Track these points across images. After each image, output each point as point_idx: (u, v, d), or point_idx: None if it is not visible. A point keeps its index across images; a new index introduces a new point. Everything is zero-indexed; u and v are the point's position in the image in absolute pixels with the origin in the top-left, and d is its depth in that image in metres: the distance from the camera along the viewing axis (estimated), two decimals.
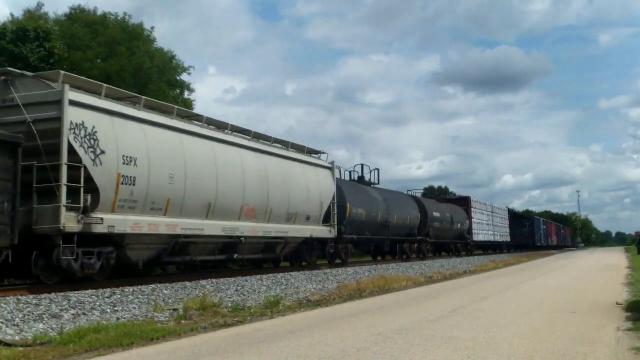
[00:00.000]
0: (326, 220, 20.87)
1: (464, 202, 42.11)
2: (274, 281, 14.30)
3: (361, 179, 27.61)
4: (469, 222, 40.47)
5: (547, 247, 71.85)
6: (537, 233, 66.48)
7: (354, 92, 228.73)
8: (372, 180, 28.28)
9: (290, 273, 16.67)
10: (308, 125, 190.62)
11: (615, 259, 35.85)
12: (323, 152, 21.67)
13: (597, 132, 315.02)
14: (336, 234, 21.19)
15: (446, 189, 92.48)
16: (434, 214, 33.46)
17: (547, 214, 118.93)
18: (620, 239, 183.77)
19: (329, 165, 21.82)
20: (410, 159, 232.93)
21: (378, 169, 29.41)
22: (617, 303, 10.28)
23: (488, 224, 46.39)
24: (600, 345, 6.40)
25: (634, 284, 14.83)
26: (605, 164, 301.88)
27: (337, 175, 23.62)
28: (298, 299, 11.61)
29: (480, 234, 43.53)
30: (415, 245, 30.68)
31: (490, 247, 50.19)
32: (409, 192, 35.92)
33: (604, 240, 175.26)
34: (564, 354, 5.89)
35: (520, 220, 61.65)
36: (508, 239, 53.51)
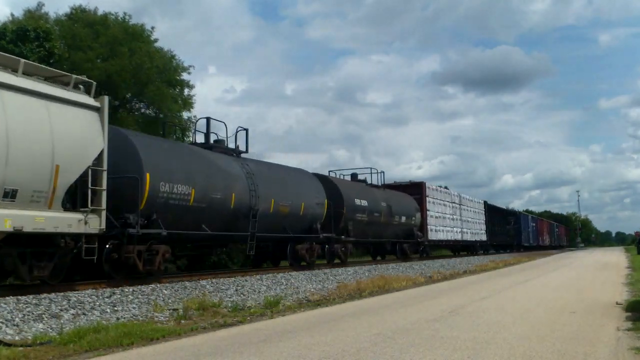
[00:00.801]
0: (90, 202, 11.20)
1: (416, 190, 32.00)
2: (273, 281, 14.31)
3: (217, 142, 17.37)
4: (423, 216, 31.14)
5: (538, 248, 65.43)
6: (525, 231, 58.67)
7: (354, 92, 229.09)
8: (237, 147, 17.99)
9: (290, 273, 16.68)
10: (308, 125, 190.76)
11: (615, 258, 35.84)
12: (85, 80, 11.88)
13: (597, 132, 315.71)
14: (102, 225, 11.33)
15: (446, 188, 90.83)
16: (358, 202, 23.75)
17: (547, 214, 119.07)
18: (620, 239, 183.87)
19: (93, 104, 11.61)
20: (411, 159, 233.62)
21: (247, 129, 18.47)
22: (617, 303, 10.28)
23: (453, 219, 36.96)
24: (600, 345, 6.40)
25: (634, 284, 14.84)
26: (605, 164, 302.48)
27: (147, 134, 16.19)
28: (298, 299, 11.62)
29: (440, 232, 34.10)
30: (325, 246, 21.38)
31: (459, 249, 41.33)
32: (332, 173, 25.83)
33: (604, 240, 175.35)
34: (564, 354, 5.89)
35: (503, 217, 53.06)
36: (484, 237, 44.47)
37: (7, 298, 8.91)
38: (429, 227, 32.03)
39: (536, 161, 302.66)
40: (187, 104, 30.40)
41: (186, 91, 30.62)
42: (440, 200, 34.88)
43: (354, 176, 27.56)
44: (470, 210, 41.54)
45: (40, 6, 28.36)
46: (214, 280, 13.67)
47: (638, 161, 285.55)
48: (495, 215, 49.44)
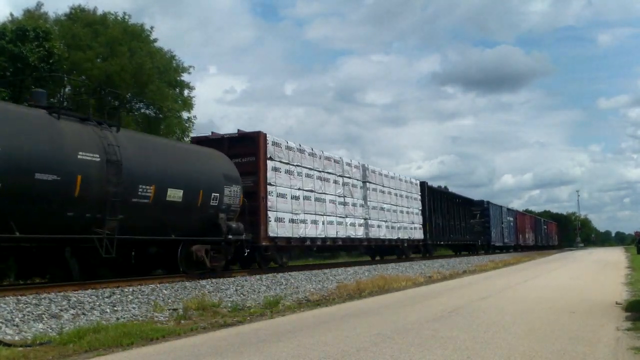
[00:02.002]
0: None
1: (247, 148, 17.81)
2: (273, 281, 14.30)
3: None
4: (259, 194, 17.33)
5: (521, 248, 54.86)
6: (497, 227, 45.87)
7: (354, 92, 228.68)
8: None
9: (290, 273, 16.66)
10: (308, 126, 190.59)
11: (615, 258, 35.85)
12: None
13: (597, 132, 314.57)
14: None
15: (446, 188, 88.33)
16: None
17: (547, 214, 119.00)
18: (620, 239, 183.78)
19: None
20: (410, 159, 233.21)
21: None
22: (616, 303, 10.28)
23: (345, 204, 22.39)
24: (600, 345, 6.40)
25: (633, 283, 14.83)
26: (605, 164, 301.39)
27: None
28: (298, 299, 11.62)
29: (305, 223, 19.44)
30: None
31: (370, 251, 28.79)
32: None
33: (603, 240, 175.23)
34: (563, 354, 5.89)
35: (463, 207, 39.76)
36: (419, 234, 30.61)
37: (7, 298, 8.91)
38: (270, 214, 17.66)
39: (536, 161, 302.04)
40: (188, 104, 30.43)
41: (186, 92, 30.69)
42: (309, 168, 20.21)
43: (35, 96, 11.94)
44: (391, 194, 27.40)
45: (40, 6, 28.38)
46: (213, 280, 13.66)
47: (638, 161, 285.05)
48: (449, 205, 36.72)
